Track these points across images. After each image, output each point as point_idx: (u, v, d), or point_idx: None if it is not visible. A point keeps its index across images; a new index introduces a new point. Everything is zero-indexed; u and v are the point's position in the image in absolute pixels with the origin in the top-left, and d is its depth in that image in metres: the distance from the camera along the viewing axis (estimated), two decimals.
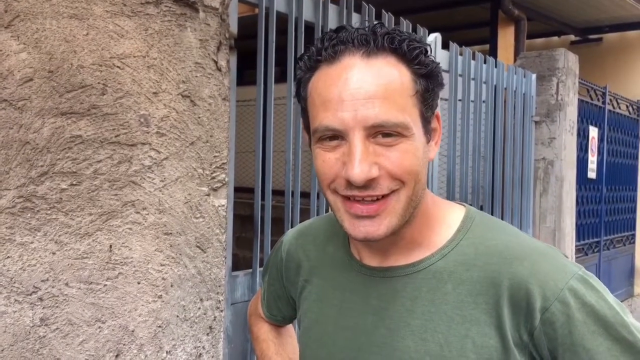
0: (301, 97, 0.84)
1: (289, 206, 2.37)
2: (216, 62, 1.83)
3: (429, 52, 0.80)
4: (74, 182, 1.45)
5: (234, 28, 1.97)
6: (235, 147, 2.10)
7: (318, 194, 2.56)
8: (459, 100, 3.62)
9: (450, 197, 3.60)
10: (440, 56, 3.32)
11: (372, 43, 0.77)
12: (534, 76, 4.48)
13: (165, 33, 1.66)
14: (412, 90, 0.78)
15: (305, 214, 2.46)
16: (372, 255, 0.89)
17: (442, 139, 0.96)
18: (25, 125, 1.34)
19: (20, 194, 1.34)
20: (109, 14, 1.52)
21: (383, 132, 0.76)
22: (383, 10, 2.72)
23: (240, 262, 2.11)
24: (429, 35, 3.19)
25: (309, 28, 2.38)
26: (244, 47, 2.12)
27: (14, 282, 1.34)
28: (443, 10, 6.50)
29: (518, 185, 4.31)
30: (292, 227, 2.40)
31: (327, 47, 0.79)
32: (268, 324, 1.19)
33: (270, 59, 2.25)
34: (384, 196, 0.76)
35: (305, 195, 2.54)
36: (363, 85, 0.75)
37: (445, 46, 3.42)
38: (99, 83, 1.49)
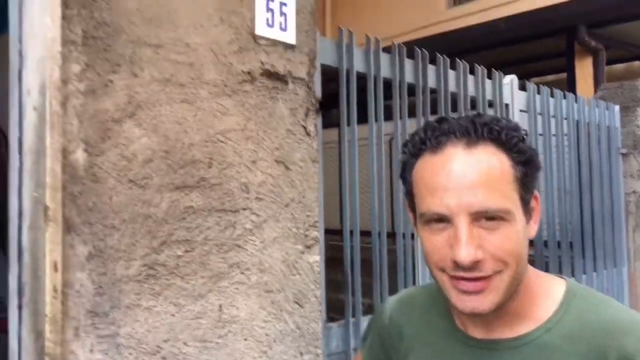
0: (406, 180, 0.92)
1: (376, 247, 2.44)
2: (305, 128, 1.97)
3: (526, 140, 0.87)
4: (188, 249, 1.60)
5: (318, 92, 2.11)
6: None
7: (404, 235, 2.61)
8: (540, 134, 3.60)
9: (537, 235, 3.54)
10: (518, 97, 3.34)
11: (472, 134, 0.85)
12: (617, 108, 4.36)
13: (260, 106, 1.82)
14: (512, 176, 0.84)
15: (391, 254, 2.52)
16: (477, 326, 0.95)
17: None
18: (148, 201, 1.52)
19: (144, 263, 1.51)
20: (213, 95, 1.69)
21: (486, 217, 0.83)
22: (437, 54, 2.79)
23: (329, 303, 2.18)
24: (504, 77, 3.22)
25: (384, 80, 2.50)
26: (327, 89, 2.25)
27: (141, 344, 1.50)
28: (515, 45, 6.48)
29: (609, 221, 4.16)
30: (380, 269, 2.47)
31: (430, 137, 0.87)
32: None
33: (352, 112, 2.37)
34: (488, 276, 0.83)
35: (390, 235, 2.58)
36: (466, 174, 0.82)
37: (522, 85, 3.43)
38: (206, 157, 1.66)
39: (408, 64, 2.64)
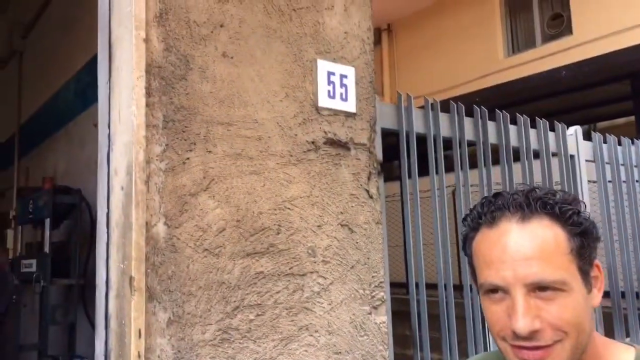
0: (467, 252, 0.97)
1: (443, 300, 2.43)
2: (368, 191, 2.04)
3: (582, 211, 0.90)
4: (259, 313, 1.68)
5: (379, 155, 2.19)
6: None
7: (470, 287, 2.58)
8: (609, 181, 3.50)
9: (613, 289, 3.40)
10: (583, 147, 3.29)
11: (526, 208, 0.89)
12: None
13: (324, 173, 1.92)
14: (567, 248, 0.87)
15: (459, 307, 2.49)
16: None
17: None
18: (221, 268, 1.62)
19: (219, 328, 1.59)
20: (280, 165, 1.80)
21: (542, 287, 0.85)
22: (497, 110, 2.81)
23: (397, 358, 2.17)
24: (567, 129, 3.20)
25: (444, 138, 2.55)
26: (388, 141, 2.32)
27: None
28: (577, 92, 6.38)
29: None
30: (448, 322, 2.44)
31: (486, 212, 0.92)
32: None
33: (413, 168, 2.42)
34: (548, 345, 0.85)
35: (457, 288, 2.57)
36: (520, 248, 0.86)
37: (587, 133, 3.39)
38: (274, 224, 1.76)
39: (467, 121, 2.68)
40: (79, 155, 3.80)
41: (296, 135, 1.86)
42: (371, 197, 2.05)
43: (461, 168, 2.62)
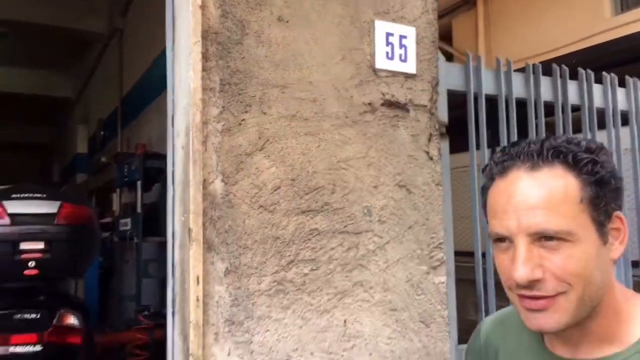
0: (483, 204, 0.97)
1: None
2: (427, 152, 2.04)
3: (600, 161, 0.87)
4: (314, 268, 1.76)
5: (443, 117, 2.17)
6: (453, 213, 2.23)
7: None
8: None
9: None
10: None
11: (537, 157, 0.87)
12: None
13: (381, 134, 1.94)
14: (577, 197, 0.84)
15: None
16: (564, 346, 0.94)
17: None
18: (276, 224, 1.71)
19: (274, 279, 1.69)
20: (335, 126, 1.85)
21: (547, 237, 0.83)
22: (579, 69, 2.65)
23: (465, 325, 2.17)
24: None
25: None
26: (457, 115, 2.28)
27: (272, 351, 1.67)
28: None
29: None
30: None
31: (498, 162, 0.92)
32: None
33: (482, 136, 2.37)
34: (551, 296, 0.84)
35: None
36: (525, 197, 0.85)
37: None
38: (329, 184, 1.81)
39: (545, 81, 2.57)
40: None
41: (352, 97, 1.89)
42: (431, 158, 2.05)
43: (536, 135, 2.52)
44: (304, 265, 1.75)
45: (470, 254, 2.99)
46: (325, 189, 1.81)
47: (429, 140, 2.06)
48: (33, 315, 2.29)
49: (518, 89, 2.49)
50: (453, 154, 2.32)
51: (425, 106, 2.06)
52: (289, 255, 1.72)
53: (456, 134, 2.32)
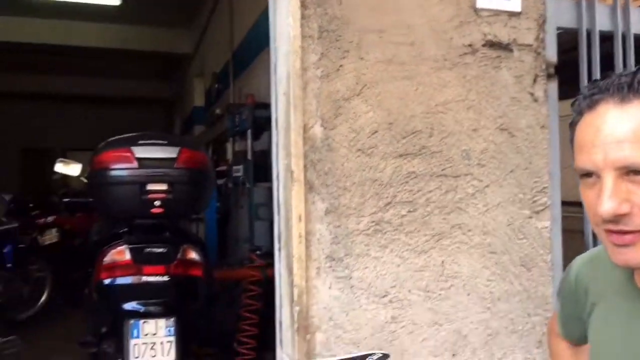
0: (570, 139, 0.95)
1: None
2: (532, 94, 1.97)
3: None
4: (411, 210, 1.81)
5: (552, 57, 2.07)
6: (561, 162, 2.16)
7: None
8: None
9: None
10: None
11: (626, 89, 0.84)
12: None
13: (482, 76, 1.90)
14: None
15: None
16: None
17: None
18: (374, 167, 1.76)
19: (372, 220, 1.76)
20: (433, 69, 1.84)
21: (636, 171, 0.81)
22: None
23: None
24: None
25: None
26: (566, 62, 2.17)
27: (371, 287, 1.76)
28: None
29: None
30: None
31: (586, 96, 0.89)
32: (565, 342, 1.26)
33: (594, 76, 2.24)
34: (638, 230, 0.83)
35: None
36: (613, 130, 0.82)
37: None
38: (427, 128, 1.83)
39: None
40: None
41: (451, 38, 1.87)
42: (536, 100, 1.98)
43: None
44: (401, 207, 1.80)
45: (575, 204, 2.87)
46: (423, 132, 1.82)
47: (534, 81, 1.99)
48: (160, 250, 2.56)
49: (636, 25, 2.30)
50: (565, 99, 2.22)
51: (531, 45, 1.98)
52: (387, 197, 1.78)
53: (569, 78, 2.21)
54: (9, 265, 4.61)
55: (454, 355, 1.87)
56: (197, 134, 9.21)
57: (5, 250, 4.61)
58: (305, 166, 1.68)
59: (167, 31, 9.34)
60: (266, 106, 3.92)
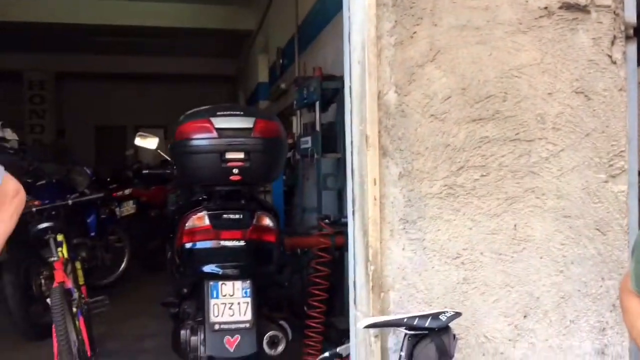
0: None
1: None
2: (610, 57, 1.93)
3: None
4: (484, 174, 1.83)
5: (631, 18, 2.01)
6: None
7: None
8: None
9: None
10: None
11: None
12: None
13: (558, 39, 1.88)
14: None
15: None
16: None
17: None
18: (447, 132, 1.80)
19: (445, 184, 1.80)
20: (507, 34, 1.84)
21: None
22: None
23: None
24: None
25: None
26: None
27: (443, 249, 1.81)
28: None
29: None
30: None
31: None
32: (638, 298, 1.27)
33: None
34: None
35: None
36: None
37: None
38: (500, 92, 1.84)
39: None
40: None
41: (527, 2, 1.85)
42: (614, 62, 1.94)
43: None
44: (474, 171, 1.83)
45: None
46: (497, 97, 1.83)
47: (612, 43, 1.94)
48: (237, 216, 2.69)
49: None
50: None
51: (609, 6, 1.93)
52: (459, 162, 1.81)
53: None
54: (92, 234, 4.93)
55: (525, 316, 1.89)
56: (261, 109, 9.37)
57: (89, 220, 4.92)
58: (379, 132, 1.74)
59: (232, 9, 9.50)
60: (333, 78, 3.99)
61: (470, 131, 1.82)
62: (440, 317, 1.59)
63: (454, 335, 1.63)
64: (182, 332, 2.71)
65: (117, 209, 5.82)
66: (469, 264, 1.82)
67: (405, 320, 1.60)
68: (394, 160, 1.76)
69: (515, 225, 1.86)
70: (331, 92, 3.88)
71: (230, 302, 2.64)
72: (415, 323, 1.58)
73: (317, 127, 3.92)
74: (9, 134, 4.65)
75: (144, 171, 6.46)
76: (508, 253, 1.86)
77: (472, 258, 1.83)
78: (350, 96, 1.85)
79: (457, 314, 1.63)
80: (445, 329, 1.60)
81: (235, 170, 2.52)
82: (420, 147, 1.78)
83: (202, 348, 2.63)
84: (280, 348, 2.72)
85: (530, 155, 1.87)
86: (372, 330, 1.76)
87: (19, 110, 11.61)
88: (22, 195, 1.81)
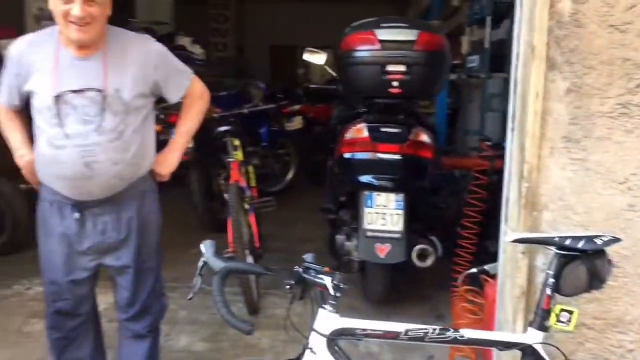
0: None
1: None
2: None
3: None
4: None
5: None
6: None
7: None
8: None
9: None
10: None
11: None
12: None
13: None
14: None
15: None
16: None
17: None
18: (627, 45, 1.64)
19: (619, 102, 1.67)
20: None
21: None
22: None
23: None
24: None
25: None
26: None
27: (609, 172, 1.70)
28: None
29: None
30: None
31: None
32: None
33: None
34: None
35: None
36: None
37: None
38: None
39: None
40: None
41: None
42: None
43: None
44: None
45: None
46: None
47: None
48: (395, 130, 2.74)
49: None
50: None
51: None
52: (638, 79, 1.65)
53: None
54: (264, 144, 5.33)
55: None
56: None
57: (261, 131, 5.32)
58: (548, 43, 1.64)
59: None
60: None
61: None
62: (595, 240, 1.52)
63: (609, 261, 1.56)
64: (338, 237, 2.90)
65: (287, 123, 6.19)
66: (637, 190, 1.70)
67: (556, 239, 1.56)
68: (562, 74, 1.66)
69: None
70: (505, 7, 3.65)
71: (383, 212, 2.75)
72: (567, 243, 1.53)
73: (486, 44, 3.75)
74: (197, 49, 5.13)
75: (311, 85, 6.72)
76: None
77: None
78: (521, 5, 1.76)
79: (616, 239, 1.54)
80: (600, 253, 1.53)
81: (395, 83, 2.54)
82: (594, 60, 1.65)
83: (355, 252, 2.81)
84: (429, 261, 2.79)
85: None
86: (520, 247, 1.75)
87: (205, 28, 12.54)
88: (206, 97, 2.04)
